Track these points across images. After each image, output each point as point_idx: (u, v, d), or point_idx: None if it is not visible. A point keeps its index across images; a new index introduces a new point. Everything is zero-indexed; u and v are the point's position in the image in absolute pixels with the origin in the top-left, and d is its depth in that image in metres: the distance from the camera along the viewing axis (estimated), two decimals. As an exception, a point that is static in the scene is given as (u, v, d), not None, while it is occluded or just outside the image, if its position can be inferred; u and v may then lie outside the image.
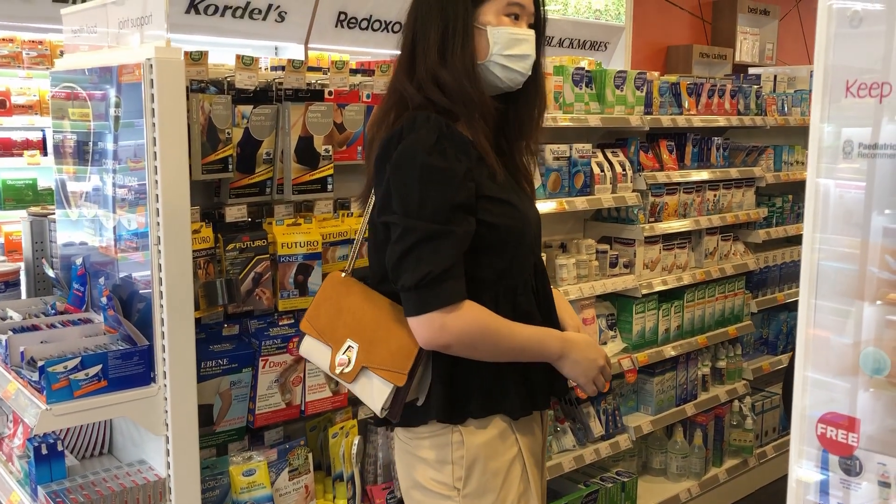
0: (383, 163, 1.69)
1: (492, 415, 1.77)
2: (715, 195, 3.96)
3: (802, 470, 1.10)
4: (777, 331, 4.60)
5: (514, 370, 1.77)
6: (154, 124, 2.03)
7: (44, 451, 2.17)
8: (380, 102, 1.85)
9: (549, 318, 1.89)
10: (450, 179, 1.63)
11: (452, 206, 1.63)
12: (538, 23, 1.84)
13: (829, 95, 1.05)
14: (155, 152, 2.04)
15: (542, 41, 1.84)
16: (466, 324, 1.65)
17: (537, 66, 1.83)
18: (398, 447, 1.88)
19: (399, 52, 1.81)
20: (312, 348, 1.82)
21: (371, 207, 1.80)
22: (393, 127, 1.71)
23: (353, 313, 1.76)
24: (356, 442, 2.59)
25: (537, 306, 1.85)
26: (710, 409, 4.04)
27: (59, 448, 2.20)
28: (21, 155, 5.18)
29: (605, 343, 3.51)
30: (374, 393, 1.70)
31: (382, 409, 1.69)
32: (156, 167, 2.04)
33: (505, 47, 1.74)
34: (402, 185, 1.64)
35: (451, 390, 1.74)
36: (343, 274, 1.85)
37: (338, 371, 1.74)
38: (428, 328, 1.64)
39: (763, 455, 4.34)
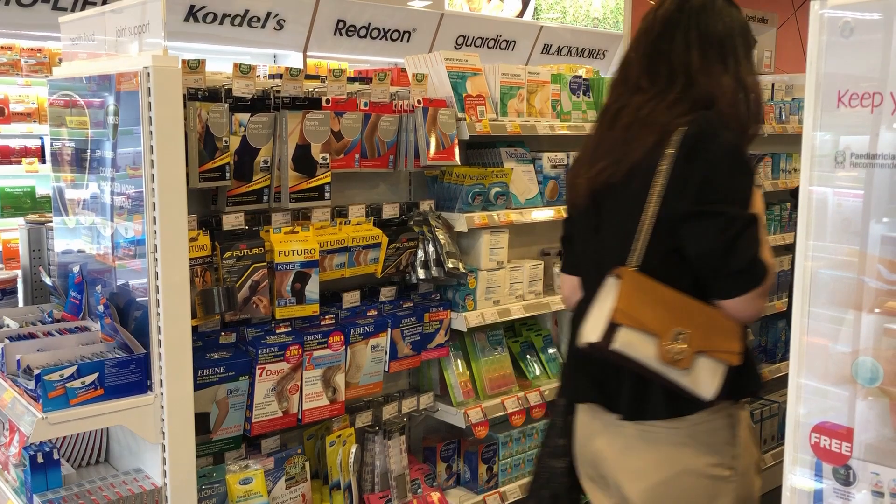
0: (691, 155, 1.77)
1: (746, 395, 1.93)
2: (713, 203, 3.94)
3: (796, 478, 1.10)
4: (775, 339, 4.59)
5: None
6: (151, 132, 2.03)
7: (39, 460, 2.16)
8: (656, 80, 1.90)
9: None
10: (754, 174, 1.85)
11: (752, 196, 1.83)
12: None
13: (821, 105, 1.05)
14: (152, 160, 2.04)
15: None
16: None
17: None
18: (641, 439, 1.89)
19: (690, 49, 1.88)
20: (633, 339, 1.80)
21: (659, 197, 1.81)
22: (681, 119, 1.80)
23: (672, 303, 1.81)
24: (353, 450, 2.59)
25: None
26: (709, 416, 4.02)
27: (55, 457, 2.19)
28: (19, 162, 5.19)
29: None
30: (708, 376, 1.78)
31: (715, 391, 1.77)
32: (153, 175, 2.04)
33: None
34: (728, 177, 1.78)
35: (739, 370, 1.83)
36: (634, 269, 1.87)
37: (672, 357, 1.78)
38: (753, 303, 1.79)
39: (762, 463, 4.32)
